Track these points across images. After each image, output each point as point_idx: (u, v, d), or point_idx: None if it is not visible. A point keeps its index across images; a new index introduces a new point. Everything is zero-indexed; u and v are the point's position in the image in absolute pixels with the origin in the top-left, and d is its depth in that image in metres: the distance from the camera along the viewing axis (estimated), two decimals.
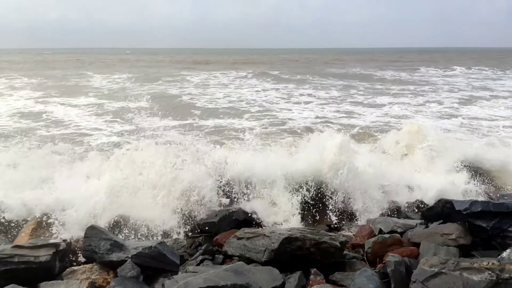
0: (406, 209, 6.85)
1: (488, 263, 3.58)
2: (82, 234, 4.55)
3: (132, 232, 5.48)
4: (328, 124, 13.68)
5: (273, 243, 4.40)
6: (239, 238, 4.70)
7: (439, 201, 5.56)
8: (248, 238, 4.61)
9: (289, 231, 4.59)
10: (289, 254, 4.36)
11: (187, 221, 5.92)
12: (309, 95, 21.71)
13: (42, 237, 4.69)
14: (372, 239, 4.92)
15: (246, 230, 4.84)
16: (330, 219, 6.47)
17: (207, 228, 5.70)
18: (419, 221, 5.68)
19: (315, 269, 4.25)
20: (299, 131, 12.44)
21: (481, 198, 6.90)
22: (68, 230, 5.05)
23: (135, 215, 5.63)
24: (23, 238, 4.80)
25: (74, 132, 12.48)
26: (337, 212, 6.59)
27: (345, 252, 4.75)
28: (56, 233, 5.01)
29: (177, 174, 6.26)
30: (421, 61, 58.95)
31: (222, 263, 4.76)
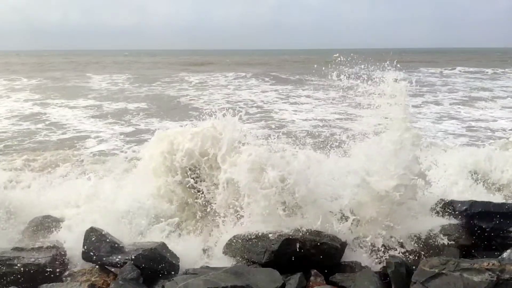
0: None
1: (489, 263, 3.58)
2: (82, 236, 4.54)
3: None
4: (328, 127, 13.66)
5: (273, 244, 4.39)
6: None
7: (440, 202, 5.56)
8: (248, 240, 4.61)
9: (290, 232, 4.58)
10: (290, 256, 4.36)
11: None
12: (308, 96, 21.71)
13: (42, 239, 4.67)
14: None
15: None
16: None
17: None
18: None
19: (315, 270, 4.25)
20: (297, 133, 12.42)
21: None
22: (69, 232, 5.03)
23: None
24: (23, 240, 4.79)
25: (74, 136, 12.44)
26: None
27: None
28: (56, 234, 4.99)
29: None
30: (421, 62, 58.93)
31: None
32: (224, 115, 5.79)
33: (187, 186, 5.53)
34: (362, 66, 5.71)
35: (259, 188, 4.76)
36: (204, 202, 5.44)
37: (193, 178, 5.54)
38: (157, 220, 5.36)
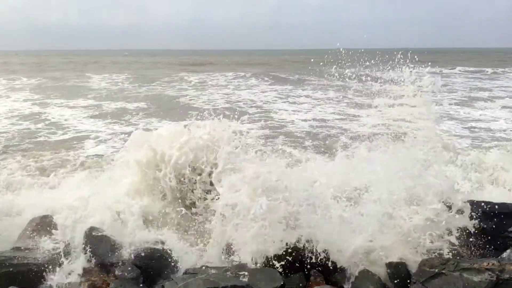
0: None
1: (488, 263, 3.58)
2: (82, 235, 4.54)
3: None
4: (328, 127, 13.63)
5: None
6: None
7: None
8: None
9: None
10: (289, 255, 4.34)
11: None
12: (307, 96, 21.66)
13: (42, 239, 4.66)
14: None
15: None
16: None
17: None
18: None
19: (315, 270, 4.24)
20: (296, 133, 12.38)
21: None
22: (68, 232, 5.02)
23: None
24: (23, 240, 4.78)
25: (73, 136, 12.41)
26: None
27: None
28: (56, 234, 4.98)
29: None
30: (420, 61, 58.85)
31: None
32: (220, 120, 5.10)
33: (180, 214, 4.90)
34: (367, 64, 5.35)
35: (248, 225, 4.08)
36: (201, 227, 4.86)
37: (185, 206, 4.87)
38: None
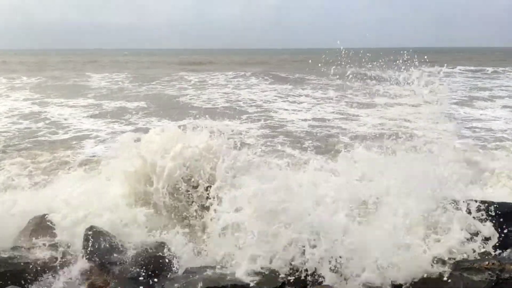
0: None
1: (488, 263, 3.58)
2: (82, 234, 4.54)
3: None
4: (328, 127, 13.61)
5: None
6: None
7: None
8: None
9: None
10: None
11: None
12: (307, 95, 21.64)
13: (42, 238, 4.66)
14: None
15: None
16: None
17: None
18: None
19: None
20: (297, 133, 12.35)
21: None
22: (69, 231, 5.02)
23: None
24: (22, 239, 4.78)
25: (73, 135, 12.40)
26: None
27: None
28: (55, 234, 4.97)
29: None
30: (420, 61, 58.72)
31: None
32: (218, 123, 4.90)
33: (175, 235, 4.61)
34: (370, 66, 5.26)
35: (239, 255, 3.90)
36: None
37: (181, 226, 4.68)
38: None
